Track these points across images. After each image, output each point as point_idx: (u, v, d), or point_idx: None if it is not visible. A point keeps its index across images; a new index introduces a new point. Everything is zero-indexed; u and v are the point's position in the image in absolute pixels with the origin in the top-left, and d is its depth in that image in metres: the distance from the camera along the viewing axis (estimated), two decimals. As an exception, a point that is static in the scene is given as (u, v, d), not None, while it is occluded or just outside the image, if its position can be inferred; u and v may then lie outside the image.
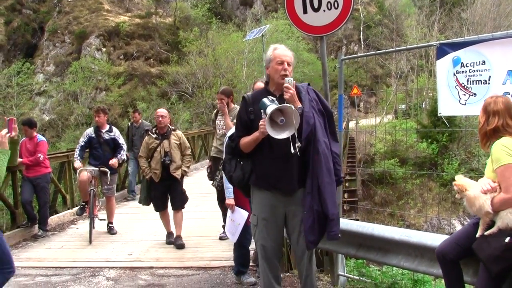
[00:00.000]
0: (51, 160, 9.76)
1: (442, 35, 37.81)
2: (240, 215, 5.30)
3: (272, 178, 3.96)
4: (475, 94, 4.38)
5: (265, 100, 3.73)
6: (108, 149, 8.50)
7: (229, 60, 35.58)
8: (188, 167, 7.74)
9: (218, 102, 7.27)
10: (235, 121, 7.21)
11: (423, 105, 37.02)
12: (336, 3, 5.03)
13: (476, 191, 3.47)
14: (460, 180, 3.61)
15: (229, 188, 5.38)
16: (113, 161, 8.34)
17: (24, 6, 46.88)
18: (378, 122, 33.67)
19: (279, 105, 3.63)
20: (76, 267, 6.78)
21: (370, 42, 47.10)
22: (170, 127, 7.72)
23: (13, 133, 4.41)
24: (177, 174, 7.52)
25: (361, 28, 49.68)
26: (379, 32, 46.00)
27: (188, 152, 7.71)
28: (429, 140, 27.09)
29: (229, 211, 5.48)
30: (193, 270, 6.41)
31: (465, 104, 4.41)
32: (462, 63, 4.44)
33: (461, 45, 4.46)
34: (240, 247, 5.64)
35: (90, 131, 8.61)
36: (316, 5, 5.13)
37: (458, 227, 24.77)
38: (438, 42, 4.59)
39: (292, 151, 3.70)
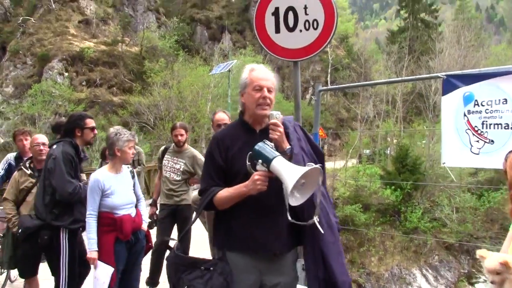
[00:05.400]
0: None
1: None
2: (105, 272, 4.33)
3: (252, 238, 2.95)
4: (492, 141, 3.42)
5: (263, 146, 2.74)
6: None
7: (194, 94, 35.16)
8: None
9: (181, 137, 6.28)
10: (186, 164, 6.29)
11: (388, 151, 36.95)
12: (315, 22, 4.16)
13: None
14: (493, 254, 2.59)
15: (91, 239, 4.32)
16: None
17: (-13, 25, 45.71)
18: (342, 166, 33.29)
19: (305, 169, 2.61)
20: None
21: (337, 85, 47.29)
22: None
23: None
24: None
25: (329, 70, 49.98)
26: (347, 75, 46.31)
27: None
28: (393, 187, 26.60)
29: (92, 268, 4.48)
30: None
31: (478, 154, 3.44)
32: (476, 101, 3.51)
33: (475, 78, 3.53)
34: None
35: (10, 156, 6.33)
36: (291, 24, 4.25)
37: (419, 276, 24.48)
38: (444, 73, 3.64)
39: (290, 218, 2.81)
